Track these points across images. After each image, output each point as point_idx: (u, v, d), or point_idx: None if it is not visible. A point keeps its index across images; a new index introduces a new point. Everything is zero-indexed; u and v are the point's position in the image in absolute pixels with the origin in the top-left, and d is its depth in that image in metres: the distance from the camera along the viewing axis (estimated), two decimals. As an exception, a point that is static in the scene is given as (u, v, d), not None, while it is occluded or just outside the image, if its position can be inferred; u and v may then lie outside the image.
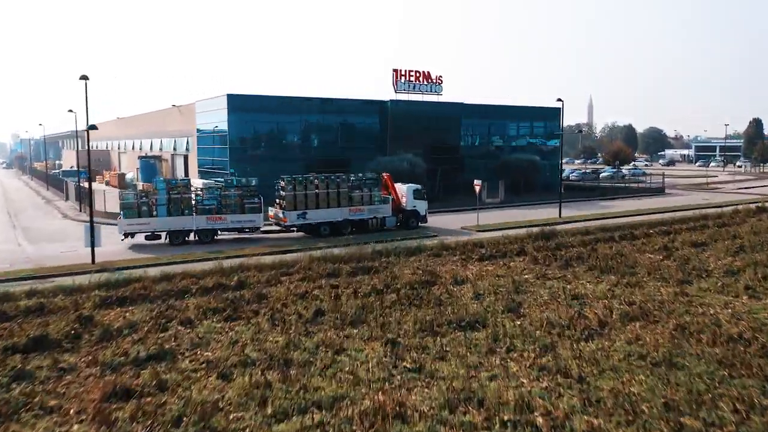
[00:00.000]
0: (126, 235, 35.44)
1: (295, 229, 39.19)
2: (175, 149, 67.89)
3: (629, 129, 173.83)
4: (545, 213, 49.10)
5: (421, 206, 42.67)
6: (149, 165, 69.10)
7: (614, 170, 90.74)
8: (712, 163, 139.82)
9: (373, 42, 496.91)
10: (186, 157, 64.71)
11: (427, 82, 62.59)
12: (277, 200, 39.76)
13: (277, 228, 39.95)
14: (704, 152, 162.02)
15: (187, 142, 63.46)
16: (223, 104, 52.80)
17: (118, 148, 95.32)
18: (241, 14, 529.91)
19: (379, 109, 59.58)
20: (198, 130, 59.54)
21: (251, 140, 53.90)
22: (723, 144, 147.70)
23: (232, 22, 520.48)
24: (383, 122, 59.45)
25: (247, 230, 38.11)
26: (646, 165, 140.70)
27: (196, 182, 57.41)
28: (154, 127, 75.73)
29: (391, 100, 59.71)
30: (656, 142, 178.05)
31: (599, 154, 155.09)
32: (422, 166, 53.67)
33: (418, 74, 62.14)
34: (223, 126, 52.76)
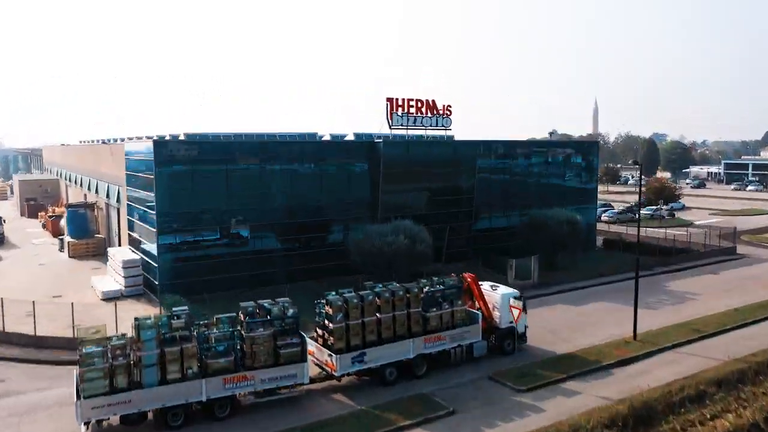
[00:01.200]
0: (88, 424, 21.19)
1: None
2: (108, 197, 53.01)
3: (650, 144, 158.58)
4: (608, 314, 34.31)
5: (521, 320, 29.46)
6: (78, 216, 54.28)
7: (655, 209, 75.69)
8: (750, 186, 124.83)
9: (372, 42, 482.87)
10: (119, 211, 49.86)
11: (432, 113, 47.81)
12: (319, 331, 26.34)
13: (319, 371, 26.07)
14: (735, 170, 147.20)
15: (118, 193, 48.59)
16: (148, 152, 38.04)
17: (66, 180, 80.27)
18: (241, 14, 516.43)
19: (368, 152, 44.71)
20: (127, 179, 44.68)
21: (187, 202, 38.68)
22: (756, 162, 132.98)
23: (231, 23, 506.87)
24: (373, 169, 44.60)
25: (283, 391, 24.05)
26: (664, 178, 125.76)
27: (117, 255, 42.78)
28: (91, 164, 60.88)
29: (383, 141, 44.87)
30: (680, 157, 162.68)
31: (622, 173, 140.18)
32: (426, 240, 38.76)
33: (419, 104, 47.40)
34: (151, 183, 37.90)
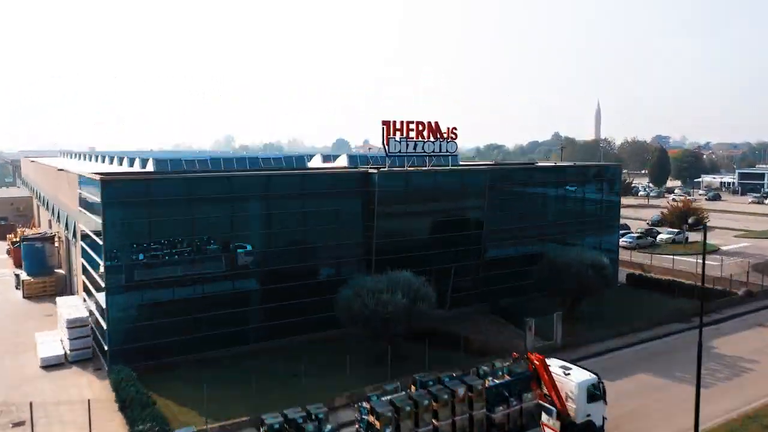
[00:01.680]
0: None
1: None
2: (66, 229, 46.74)
3: (660, 152, 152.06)
4: (653, 397, 27.90)
5: (597, 412, 23.92)
6: (34, 250, 48.06)
7: (677, 232, 69.22)
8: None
9: (372, 42, 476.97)
10: (77, 249, 43.54)
11: (435, 137, 41.48)
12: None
13: None
14: (750, 180, 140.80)
15: (74, 227, 42.33)
16: (95, 190, 31.79)
17: (38, 200, 73.82)
18: (241, 15, 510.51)
19: (360, 184, 38.48)
20: (80, 215, 38.44)
21: (143, 249, 32.24)
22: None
23: (231, 23, 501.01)
24: (367, 204, 38.36)
25: None
26: (689, 199, 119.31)
27: (64, 309, 36.44)
28: (53, 187, 54.59)
29: (379, 172, 38.56)
30: (691, 166, 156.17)
31: (633, 182, 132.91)
32: (429, 298, 32.44)
33: (420, 127, 41.05)
34: (99, 225, 31.59)
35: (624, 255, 57.54)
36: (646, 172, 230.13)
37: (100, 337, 33.11)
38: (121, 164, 56.37)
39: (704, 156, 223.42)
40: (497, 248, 43.55)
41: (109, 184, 31.10)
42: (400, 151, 40.16)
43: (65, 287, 46.82)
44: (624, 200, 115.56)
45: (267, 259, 35.31)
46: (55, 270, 49.35)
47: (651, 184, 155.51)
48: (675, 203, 66.70)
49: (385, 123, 39.70)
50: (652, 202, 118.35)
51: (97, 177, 31.57)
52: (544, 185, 46.99)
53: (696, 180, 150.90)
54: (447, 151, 41.98)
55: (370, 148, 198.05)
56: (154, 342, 31.59)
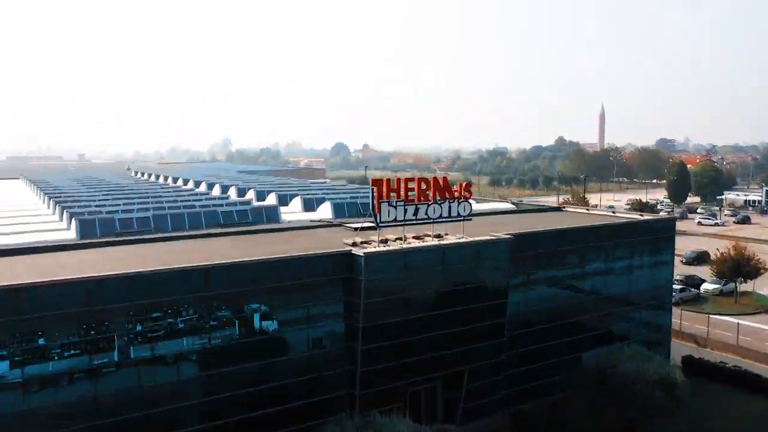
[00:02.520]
0: None
1: None
2: None
3: (681, 167, 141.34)
4: None
5: None
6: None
7: (724, 283, 58.50)
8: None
9: (372, 42, 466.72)
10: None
11: (443, 197, 30.97)
12: None
13: None
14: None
15: None
16: None
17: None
18: (241, 14, 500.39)
19: (344, 277, 27.85)
20: None
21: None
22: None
23: (231, 23, 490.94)
24: (351, 301, 27.82)
25: None
26: (714, 223, 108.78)
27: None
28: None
29: (366, 255, 27.82)
30: (712, 181, 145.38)
31: (650, 198, 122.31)
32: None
33: (424, 185, 30.60)
34: None
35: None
36: (656, 181, 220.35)
37: None
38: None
39: (723, 169, 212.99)
40: (523, 340, 33.06)
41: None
42: (395, 219, 29.66)
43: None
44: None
45: (205, 410, 24.78)
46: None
47: (666, 198, 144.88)
48: (724, 255, 55.93)
49: (375, 183, 29.18)
50: (678, 224, 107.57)
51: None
52: (580, 251, 36.41)
53: (718, 197, 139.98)
54: (458, 215, 31.49)
55: (366, 168, 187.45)
56: None
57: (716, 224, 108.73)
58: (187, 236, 33.03)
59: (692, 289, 57.82)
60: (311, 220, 40.47)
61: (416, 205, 30.16)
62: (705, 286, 58.95)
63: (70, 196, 50.74)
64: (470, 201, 31.84)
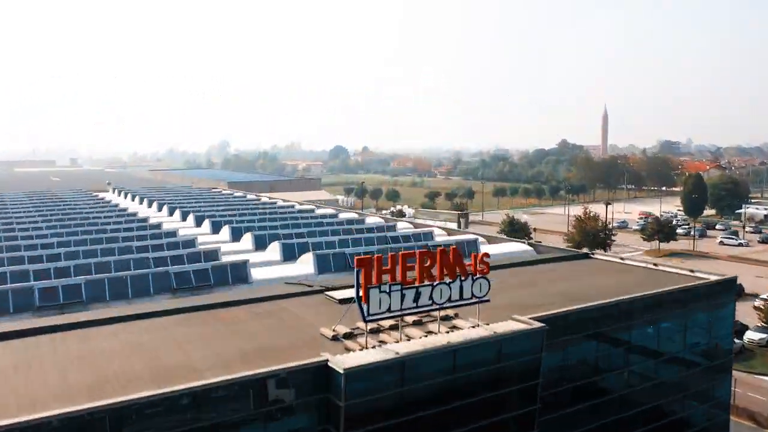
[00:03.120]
0: None
1: None
2: None
3: (697, 179, 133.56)
4: None
5: None
6: None
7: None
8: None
9: (372, 42, 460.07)
10: None
11: (453, 273, 23.35)
12: None
13: None
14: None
15: None
16: None
17: None
18: (241, 15, 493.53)
19: (319, 398, 20.14)
20: None
21: None
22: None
23: (231, 23, 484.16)
24: None
25: None
26: (738, 243, 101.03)
27: None
28: None
29: (346, 371, 19.95)
30: (730, 193, 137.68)
31: (664, 213, 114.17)
32: None
33: (428, 260, 22.96)
34: None
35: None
36: (665, 188, 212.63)
37: None
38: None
39: (726, 170, 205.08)
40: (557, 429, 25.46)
41: None
42: (389, 309, 22.02)
43: None
44: (662, 245, 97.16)
45: None
46: None
47: (680, 211, 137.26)
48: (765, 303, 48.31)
49: (362, 262, 21.47)
50: (698, 244, 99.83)
51: None
52: (626, 329, 28.77)
53: (737, 211, 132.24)
54: (473, 296, 23.83)
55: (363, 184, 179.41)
56: None
57: (740, 244, 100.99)
58: (116, 319, 25.33)
59: (735, 341, 50.07)
60: (286, 282, 32.80)
61: (417, 288, 22.55)
62: (749, 335, 51.12)
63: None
64: (487, 278, 24.15)
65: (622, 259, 39.08)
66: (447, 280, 23.20)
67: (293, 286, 31.83)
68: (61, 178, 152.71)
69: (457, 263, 23.48)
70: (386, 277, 22.00)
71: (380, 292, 21.65)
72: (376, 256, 21.87)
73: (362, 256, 21.61)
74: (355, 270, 21.44)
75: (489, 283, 24.10)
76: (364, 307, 21.47)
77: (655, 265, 37.24)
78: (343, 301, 27.92)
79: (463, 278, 23.49)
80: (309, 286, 31.56)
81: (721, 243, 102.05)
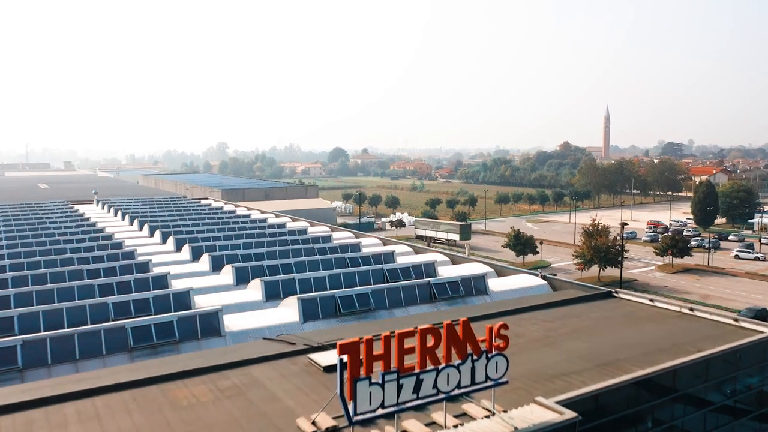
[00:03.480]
0: None
1: None
2: None
3: (708, 187, 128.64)
4: None
5: None
6: None
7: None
8: None
9: (372, 42, 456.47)
10: None
11: (462, 354, 18.52)
12: None
13: None
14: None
15: None
16: None
17: None
18: (241, 15, 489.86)
19: None
20: None
21: None
22: None
23: (231, 23, 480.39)
24: None
25: None
26: (755, 257, 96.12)
27: None
28: None
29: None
30: (742, 202, 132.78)
31: (674, 222, 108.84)
32: None
33: (430, 339, 18.11)
34: None
35: None
36: (671, 193, 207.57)
37: None
38: None
39: (731, 173, 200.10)
40: None
41: None
42: (382, 405, 17.24)
43: None
44: (678, 261, 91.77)
45: None
46: None
47: (690, 220, 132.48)
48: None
49: (345, 348, 16.67)
50: (713, 259, 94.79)
51: None
52: (668, 404, 23.98)
53: (749, 220, 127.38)
54: (488, 378, 19.05)
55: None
56: None
57: (756, 258, 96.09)
58: (34, 403, 20.48)
59: None
60: (264, 338, 28.01)
61: (418, 374, 17.79)
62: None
63: None
64: (504, 355, 19.37)
65: (651, 301, 34.25)
66: (455, 361, 18.48)
67: (271, 343, 27.05)
68: (50, 185, 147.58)
69: (468, 339, 18.71)
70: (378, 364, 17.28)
71: (370, 384, 16.90)
72: (365, 339, 17.09)
73: (346, 341, 16.80)
74: (339, 358, 16.64)
75: (507, 361, 19.33)
76: (350, 405, 16.70)
77: (690, 310, 32.38)
78: (329, 369, 23.30)
79: (475, 357, 18.76)
80: (291, 343, 26.79)
81: (737, 257, 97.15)
